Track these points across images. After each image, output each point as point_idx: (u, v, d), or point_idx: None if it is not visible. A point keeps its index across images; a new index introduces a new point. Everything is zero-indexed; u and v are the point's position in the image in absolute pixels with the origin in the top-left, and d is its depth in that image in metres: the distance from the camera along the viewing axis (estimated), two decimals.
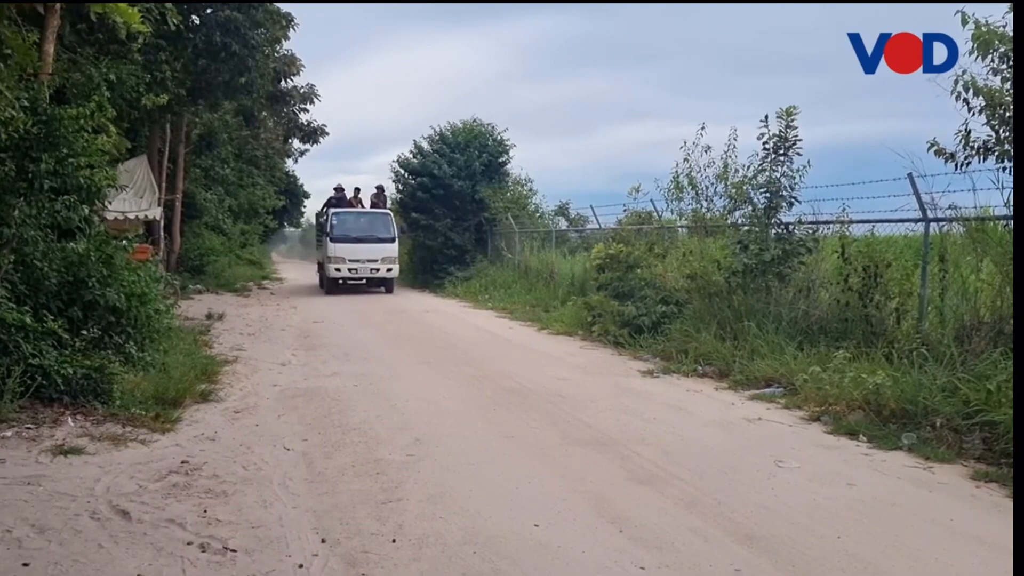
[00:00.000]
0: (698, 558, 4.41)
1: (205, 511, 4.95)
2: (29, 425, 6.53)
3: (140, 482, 5.47)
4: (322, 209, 26.65)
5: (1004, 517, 5.17)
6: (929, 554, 4.53)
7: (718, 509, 5.19)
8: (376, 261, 23.03)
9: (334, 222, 23.46)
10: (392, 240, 23.47)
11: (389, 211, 24.89)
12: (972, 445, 6.45)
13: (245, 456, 6.22)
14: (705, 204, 13.73)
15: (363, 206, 25.57)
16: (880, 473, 6.10)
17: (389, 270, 23.38)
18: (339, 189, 25.76)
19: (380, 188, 26.44)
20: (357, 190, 26.30)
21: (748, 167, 11.60)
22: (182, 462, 5.95)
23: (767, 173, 10.87)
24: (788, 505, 5.29)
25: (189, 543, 4.44)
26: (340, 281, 23.26)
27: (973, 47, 7.75)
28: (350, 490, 5.45)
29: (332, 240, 23.05)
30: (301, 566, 4.19)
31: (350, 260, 22.88)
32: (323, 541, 4.52)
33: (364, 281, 23.70)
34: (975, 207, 8.35)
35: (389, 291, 23.74)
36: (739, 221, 12.50)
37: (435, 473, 5.87)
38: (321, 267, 25.47)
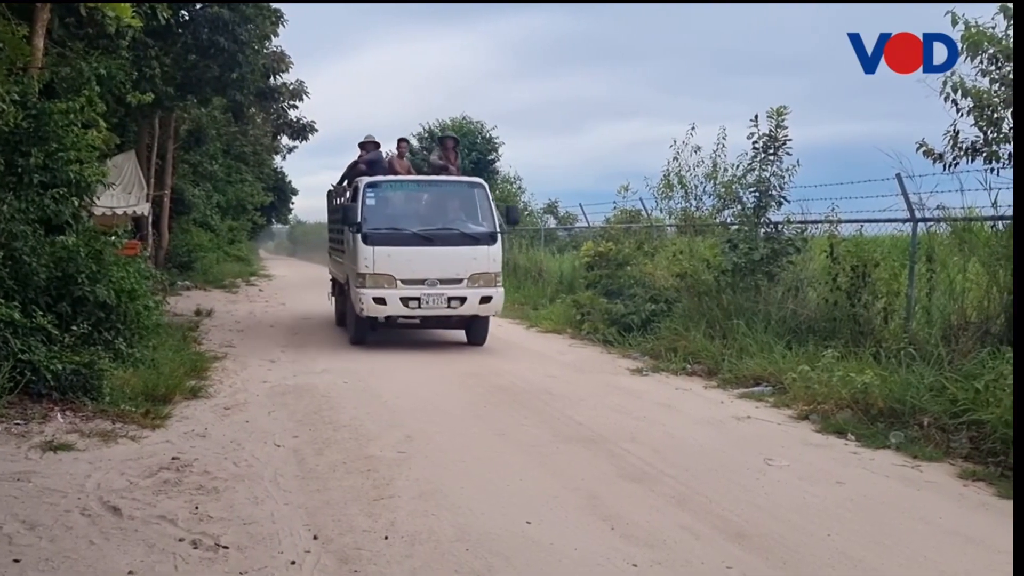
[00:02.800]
0: (690, 555, 4.43)
1: (196, 507, 4.94)
2: (18, 421, 6.50)
3: (131, 478, 5.46)
4: (340, 182, 14.65)
5: (992, 515, 5.22)
6: (918, 552, 4.56)
7: (709, 507, 5.22)
8: (460, 283, 11.68)
9: (369, 202, 11.93)
10: (491, 238, 12.04)
11: (480, 180, 13.09)
12: (959, 444, 6.49)
13: (236, 453, 6.21)
14: (694, 203, 13.79)
15: (412, 173, 13.65)
16: (869, 472, 6.15)
17: (486, 300, 11.82)
18: (369, 145, 13.76)
19: (450, 140, 14.61)
20: (403, 143, 14.37)
21: (737, 166, 11.65)
22: (173, 458, 5.94)
23: (756, 172, 10.91)
24: (778, 503, 5.33)
25: (181, 539, 4.43)
26: (381, 321, 11.99)
27: (962, 47, 7.80)
28: (342, 487, 5.45)
29: (367, 240, 11.64)
30: (293, 563, 4.19)
31: (404, 282, 11.56)
32: (315, 538, 4.52)
33: (417, 320, 12.29)
34: (962, 207, 8.41)
35: (478, 341, 12.42)
36: (728, 220, 12.56)
37: (427, 470, 5.87)
38: (340, 289, 14.11)
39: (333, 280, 15.40)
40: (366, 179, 12.25)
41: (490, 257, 11.90)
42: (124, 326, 8.54)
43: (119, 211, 16.89)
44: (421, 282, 11.56)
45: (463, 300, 11.66)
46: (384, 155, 13.89)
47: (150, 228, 20.08)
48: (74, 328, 7.68)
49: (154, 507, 4.93)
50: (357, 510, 5.00)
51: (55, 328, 7.40)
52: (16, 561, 4.08)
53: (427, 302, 11.57)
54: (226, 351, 11.03)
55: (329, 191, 15.93)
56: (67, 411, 6.86)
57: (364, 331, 12.20)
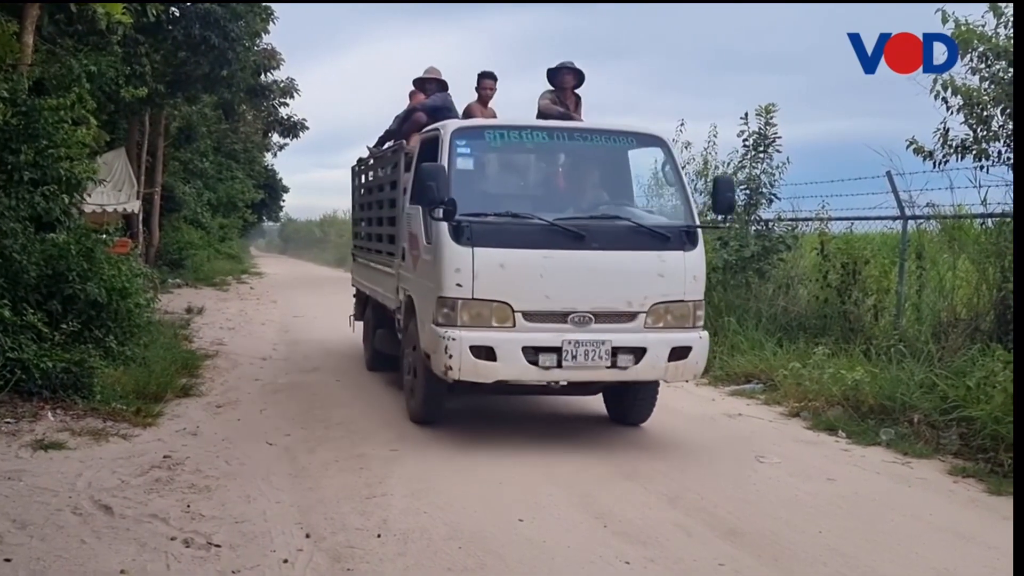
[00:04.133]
0: (682, 552, 4.44)
1: (188, 506, 4.92)
2: (9, 420, 6.45)
3: (122, 477, 5.43)
4: (380, 143, 9.45)
5: (981, 512, 5.26)
6: (908, 548, 4.59)
7: (700, 504, 5.24)
8: (631, 320, 6.27)
9: (462, 164, 6.50)
10: (688, 237, 6.49)
11: (660, 134, 7.18)
12: (949, 441, 6.54)
13: (228, 451, 6.19)
14: None
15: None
16: (859, 468, 6.18)
17: (680, 354, 6.31)
18: (432, 83, 8.66)
19: (569, 75, 7.87)
20: (489, 81, 8.29)
21: (728, 164, 11.68)
22: (164, 457, 5.92)
23: (747, 170, 10.96)
24: (769, 500, 5.35)
25: (172, 538, 4.42)
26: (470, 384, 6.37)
27: None
28: (334, 485, 5.44)
29: (461, 236, 6.07)
30: (286, 561, 4.18)
31: (529, 317, 6.15)
32: (307, 536, 4.52)
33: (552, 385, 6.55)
34: (952, 205, 8.47)
35: (636, 420, 7.16)
36: (719, 217, 12.56)
37: (419, 468, 5.86)
38: (376, 311, 9.26)
39: (360, 296, 10.38)
40: (455, 124, 6.94)
41: (687, 272, 6.46)
42: (115, 324, 8.49)
43: (109, 209, 16.78)
44: (562, 317, 6.21)
45: (640, 353, 6.25)
46: (453, 101, 8.51)
47: (140, 226, 19.97)
48: (64, 326, 7.62)
49: (146, 506, 4.91)
50: (349, 508, 4.99)
51: (45, 326, 7.35)
52: (7, 560, 4.06)
53: (573, 356, 6.12)
54: (218, 349, 10.98)
55: (360, 160, 10.38)
56: (58, 409, 6.81)
57: (439, 401, 7.01)
